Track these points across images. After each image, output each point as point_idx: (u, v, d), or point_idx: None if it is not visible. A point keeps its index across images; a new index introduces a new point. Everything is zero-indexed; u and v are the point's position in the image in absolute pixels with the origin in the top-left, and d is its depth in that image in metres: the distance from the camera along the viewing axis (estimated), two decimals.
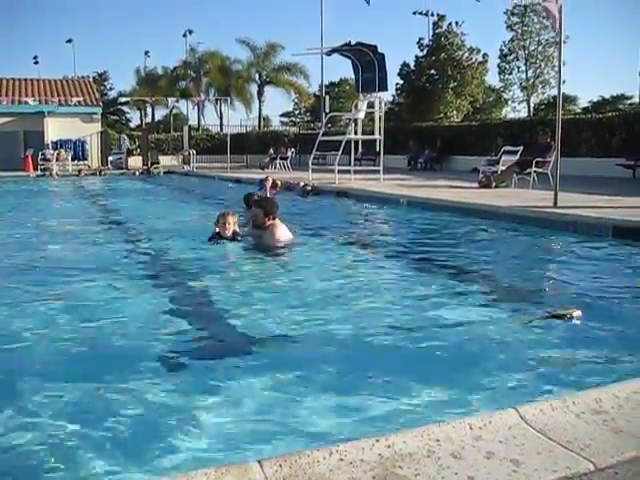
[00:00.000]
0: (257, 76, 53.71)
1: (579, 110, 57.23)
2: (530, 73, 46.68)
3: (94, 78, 52.13)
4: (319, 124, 36.70)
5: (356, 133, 20.10)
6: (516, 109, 51.54)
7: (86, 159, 34.60)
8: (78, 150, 34.53)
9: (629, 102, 56.11)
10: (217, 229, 8.59)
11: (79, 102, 34.78)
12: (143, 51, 68.35)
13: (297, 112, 75.10)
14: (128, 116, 72.45)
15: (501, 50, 47.22)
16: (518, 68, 47.44)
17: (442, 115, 40.29)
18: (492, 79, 56.94)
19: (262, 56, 52.50)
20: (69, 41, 62.05)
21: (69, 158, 32.98)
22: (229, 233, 8.52)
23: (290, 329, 4.85)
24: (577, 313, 4.97)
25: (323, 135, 22.14)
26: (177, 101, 44.93)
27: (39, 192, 21.64)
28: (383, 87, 20.99)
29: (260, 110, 55.63)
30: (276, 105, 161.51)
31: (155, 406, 3.45)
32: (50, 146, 33.27)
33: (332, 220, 12.06)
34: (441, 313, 5.31)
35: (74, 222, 12.22)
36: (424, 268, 7.47)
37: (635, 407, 2.80)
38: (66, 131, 34.08)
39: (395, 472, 2.26)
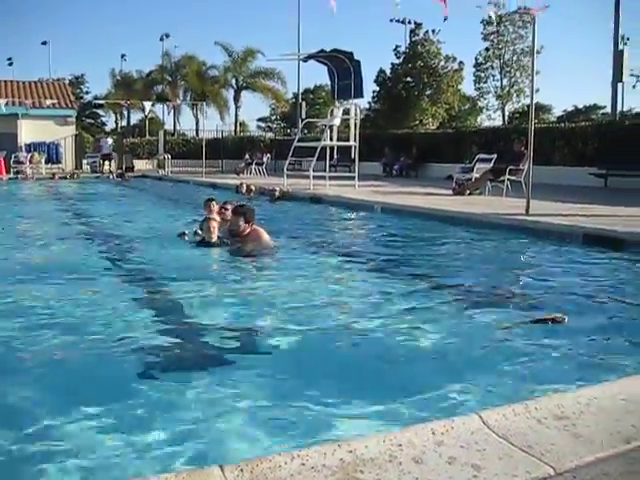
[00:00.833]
0: (234, 81, 53.65)
1: (553, 119, 57.78)
2: (505, 82, 47.08)
3: (70, 81, 51.78)
4: (295, 130, 36.70)
5: (332, 139, 20.13)
6: (491, 117, 51.96)
7: (60, 162, 34.26)
8: (52, 153, 34.20)
9: (602, 112, 56.77)
10: (201, 233, 8.66)
11: (53, 104, 34.41)
12: (120, 54, 67.83)
13: (274, 118, 75.07)
14: (104, 119, 72.03)
15: (476, 59, 47.57)
16: (493, 77, 47.83)
17: (418, 122, 40.51)
18: (468, 87, 57.29)
19: (239, 61, 52.45)
20: (44, 43, 61.62)
21: (43, 161, 32.63)
22: (214, 238, 8.49)
23: (265, 336, 4.85)
24: (562, 317, 5.00)
25: (299, 141, 22.14)
26: (153, 105, 44.65)
27: (11, 196, 21.38)
28: (359, 94, 21.02)
29: (236, 115, 55.58)
30: (253, 110, 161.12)
31: (121, 412, 3.43)
32: (23, 149, 32.89)
33: (300, 226, 12.07)
34: (411, 318, 5.34)
35: (46, 226, 12.11)
36: (396, 274, 7.48)
37: (595, 412, 2.83)
38: (40, 134, 33.71)
39: (356, 477, 2.26)
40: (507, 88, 47.02)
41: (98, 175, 31.41)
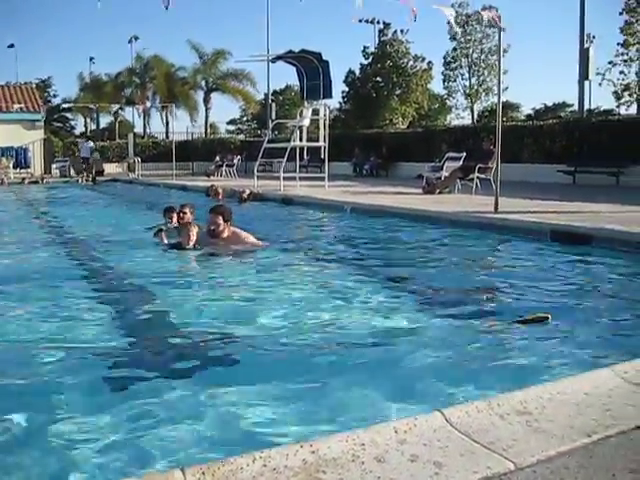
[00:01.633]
0: (204, 83, 53.49)
1: (522, 117, 58.33)
2: (473, 81, 47.46)
3: (37, 84, 51.21)
4: (266, 131, 36.69)
5: (301, 140, 20.13)
6: (460, 116, 52.38)
7: (29, 167, 33.85)
8: (20, 158, 33.76)
9: (570, 110, 57.44)
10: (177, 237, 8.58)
11: (21, 109, 34.06)
12: (88, 57, 67.37)
13: (244, 119, 74.97)
14: (72, 123, 71.42)
15: (444, 58, 47.87)
16: (462, 76, 48.17)
17: (387, 122, 40.67)
18: (437, 86, 57.62)
19: (209, 63, 52.33)
20: (11, 46, 60.91)
21: (11, 166, 32.22)
22: (191, 244, 8.38)
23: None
24: (546, 316, 5.03)
25: (269, 142, 22.13)
26: (122, 108, 44.38)
27: None
28: (328, 94, 21.03)
29: (207, 117, 55.42)
30: (223, 112, 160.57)
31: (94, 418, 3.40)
32: None
33: (270, 227, 12.02)
34: (378, 318, 5.35)
35: (14, 232, 11.96)
36: (365, 274, 7.48)
37: (557, 407, 2.85)
38: (7, 138, 33.21)
39: (319, 477, 2.26)
40: (475, 87, 47.40)
41: (67, 180, 31.06)
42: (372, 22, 45.68)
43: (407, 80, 41.60)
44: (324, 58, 20.48)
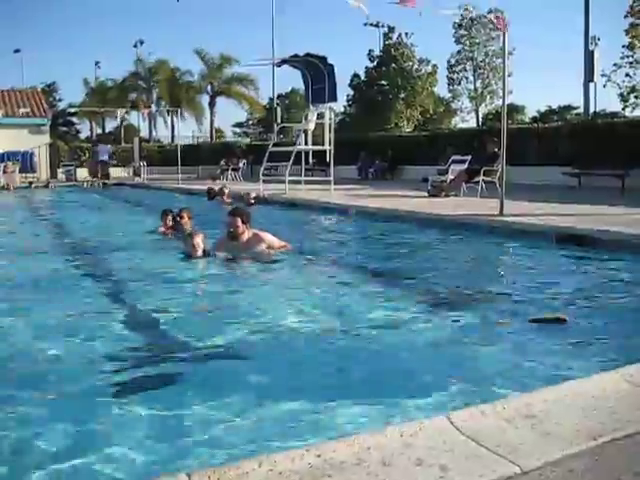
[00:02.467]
0: (209, 87, 53.60)
1: (527, 120, 58.27)
2: (478, 84, 47.46)
3: (43, 89, 51.35)
4: (271, 135, 36.75)
5: (306, 144, 20.13)
6: (465, 119, 52.34)
7: (35, 171, 33.90)
8: (26, 162, 33.80)
9: (575, 112, 57.35)
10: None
11: (26, 113, 34.16)
12: (93, 62, 67.49)
13: (250, 123, 75.10)
14: (78, 127, 71.61)
15: (449, 61, 47.89)
16: (466, 79, 48.17)
17: (393, 125, 40.69)
18: (442, 89, 57.64)
19: (214, 67, 52.44)
20: (17, 51, 61.17)
21: (17, 170, 32.25)
22: (199, 253, 8.18)
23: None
24: (564, 318, 5.02)
25: (274, 146, 22.12)
26: (127, 112, 44.50)
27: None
28: (333, 98, 21.01)
29: (212, 121, 55.50)
30: (229, 116, 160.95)
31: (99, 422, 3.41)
32: None
33: (276, 231, 12.00)
34: (385, 321, 5.35)
35: (30, 237, 11.94)
36: (375, 277, 7.47)
37: (563, 410, 2.85)
38: (13, 143, 33.26)
39: None
40: (480, 90, 47.38)
41: (74, 184, 31.11)
42: (377, 26, 45.78)
43: (412, 83, 41.67)
44: (329, 62, 20.48)
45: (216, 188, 18.41)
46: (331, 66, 20.47)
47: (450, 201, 15.13)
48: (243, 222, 8.30)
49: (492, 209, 11.60)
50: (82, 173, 34.42)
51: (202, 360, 4.49)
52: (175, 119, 50.44)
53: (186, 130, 55.20)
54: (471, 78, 47.98)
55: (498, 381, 3.82)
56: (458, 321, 5.33)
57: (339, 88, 21.59)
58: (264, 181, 19.71)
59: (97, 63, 63.75)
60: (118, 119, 39.69)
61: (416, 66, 42.70)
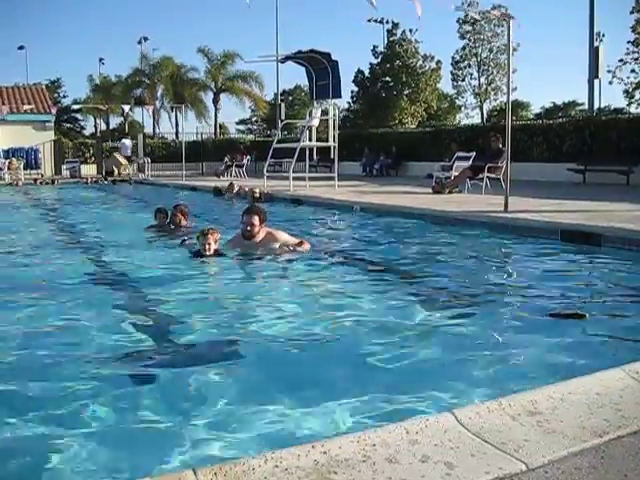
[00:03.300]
0: (213, 84, 53.58)
1: (532, 116, 58.19)
2: (482, 80, 47.41)
3: (47, 85, 51.42)
4: (275, 131, 36.78)
5: (311, 140, 20.15)
6: (469, 115, 52.33)
7: (39, 168, 33.93)
8: (31, 159, 33.84)
9: (580, 108, 57.26)
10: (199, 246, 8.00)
11: (31, 110, 34.15)
12: (97, 58, 67.69)
13: (254, 119, 75.10)
14: (82, 124, 71.72)
15: (453, 57, 47.83)
16: (471, 75, 48.12)
17: (397, 121, 40.65)
18: (446, 86, 57.58)
19: (218, 64, 52.42)
20: (21, 48, 61.30)
21: (21, 167, 32.27)
22: (210, 252, 7.86)
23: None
24: (583, 313, 5.02)
25: (278, 142, 22.15)
26: (131, 109, 44.51)
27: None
28: (337, 94, 21.04)
29: (216, 118, 55.48)
30: (233, 113, 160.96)
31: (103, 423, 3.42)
32: (1, 155, 32.57)
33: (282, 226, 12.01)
34: (389, 316, 5.36)
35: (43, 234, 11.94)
36: (381, 274, 7.43)
37: (569, 408, 2.85)
38: (18, 139, 33.32)
39: (330, 478, 2.27)
40: (485, 86, 47.33)
41: (77, 180, 31.11)
42: (381, 22, 45.75)
43: (416, 80, 41.63)
44: (333, 58, 20.49)
45: (226, 185, 18.56)
46: (335, 62, 20.49)
47: (454, 197, 15.12)
48: (260, 221, 8.06)
49: (497, 206, 11.60)
50: (87, 170, 34.42)
51: (207, 358, 4.49)
52: (179, 115, 50.63)
53: (190, 126, 55.31)
54: (475, 74, 47.94)
55: (508, 377, 3.83)
56: (464, 318, 5.33)
57: (343, 84, 21.62)
58: (268, 177, 19.73)
59: (101, 60, 63.97)
60: (127, 111, 39.50)
61: (420, 62, 42.65)
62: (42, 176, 32.17)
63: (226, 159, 30.93)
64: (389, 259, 8.56)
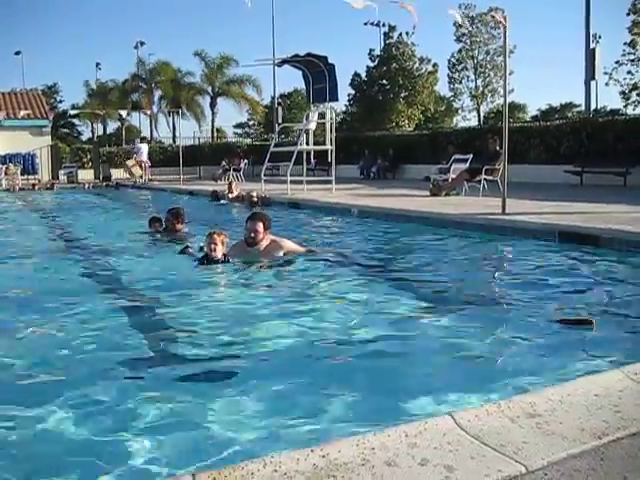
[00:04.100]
0: (210, 88, 53.59)
1: (528, 118, 58.28)
2: (479, 82, 47.49)
3: (43, 91, 51.38)
4: (273, 135, 36.77)
5: (308, 143, 20.15)
6: (466, 118, 52.41)
7: (36, 173, 33.92)
8: (28, 164, 33.83)
9: (576, 110, 57.36)
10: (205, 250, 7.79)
11: (27, 115, 34.12)
12: (94, 63, 67.67)
13: (251, 123, 75.09)
14: (80, 129, 71.67)
15: (449, 60, 47.92)
16: (467, 77, 48.22)
17: (394, 124, 40.67)
18: (443, 88, 57.64)
19: (215, 68, 52.43)
20: (17, 53, 61.31)
21: (19, 172, 32.24)
22: (219, 255, 7.63)
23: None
24: (591, 320, 4.99)
25: (275, 146, 22.15)
26: (128, 114, 44.48)
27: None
28: (334, 97, 21.04)
29: (213, 122, 55.51)
30: (230, 116, 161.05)
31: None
32: None
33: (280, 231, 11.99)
34: (387, 320, 5.35)
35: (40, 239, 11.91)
36: (380, 278, 7.41)
37: (568, 409, 2.85)
38: (15, 145, 33.29)
39: None
40: (481, 88, 47.41)
41: (75, 185, 31.09)
42: (377, 25, 45.80)
43: (413, 82, 41.65)
44: (330, 61, 20.50)
45: (224, 188, 18.63)
46: (332, 66, 20.50)
47: (452, 200, 15.12)
48: (265, 228, 7.81)
49: (494, 208, 11.60)
50: (84, 175, 34.42)
51: (210, 362, 4.48)
52: (176, 120, 50.59)
53: (187, 131, 55.33)
54: (472, 77, 48.03)
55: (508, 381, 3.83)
56: (462, 321, 5.33)
57: (340, 87, 21.63)
58: (265, 181, 19.73)
59: (98, 65, 63.92)
60: (124, 116, 39.34)
61: (417, 65, 42.66)
62: (39, 181, 32.15)
63: (223, 163, 30.91)
64: (388, 262, 8.56)
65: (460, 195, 16.57)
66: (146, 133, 58.02)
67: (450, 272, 7.79)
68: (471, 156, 18.03)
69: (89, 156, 38.00)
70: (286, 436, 3.19)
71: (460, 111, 53.36)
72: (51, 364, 4.44)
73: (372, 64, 43.54)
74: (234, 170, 29.80)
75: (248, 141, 51.23)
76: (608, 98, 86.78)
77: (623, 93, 38.81)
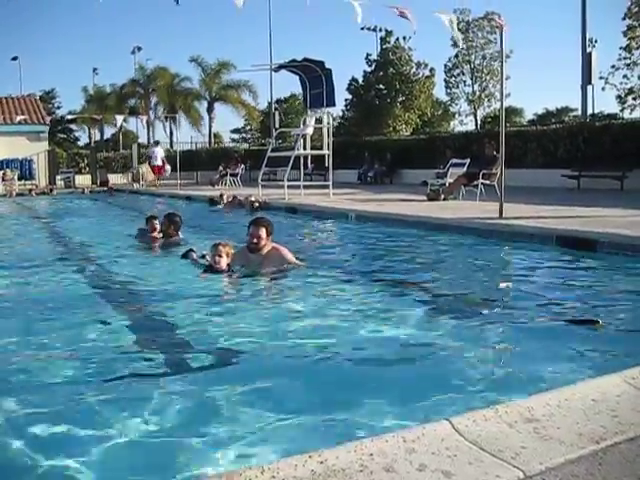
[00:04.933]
0: (207, 93, 53.58)
1: (525, 122, 58.36)
2: (476, 87, 47.58)
3: (41, 96, 51.32)
4: (270, 140, 36.81)
5: (305, 148, 20.17)
6: (463, 122, 52.46)
7: (34, 178, 33.87)
8: (25, 169, 33.79)
9: (573, 114, 57.44)
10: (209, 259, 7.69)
11: (24, 120, 34.08)
12: (91, 69, 67.74)
13: (248, 128, 75.10)
14: (77, 134, 71.58)
15: (446, 65, 48.01)
16: (464, 82, 48.29)
17: (391, 129, 40.71)
18: (440, 93, 57.75)
19: (212, 74, 52.44)
20: (14, 59, 61.26)
21: (16, 178, 32.17)
22: (223, 266, 7.50)
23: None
24: (596, 320, 5.02)
25: (273, 151, 22.18)
26: (125, 120, 44.42)
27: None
28: (331, 102, 21.06)
29: (210, 127, 55.51)
30: (228, 121, 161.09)
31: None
32: None
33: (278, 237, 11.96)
34: (381, 326, 5.36)
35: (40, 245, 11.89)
36: (379, 283, 7.39)
37: (565, 414, 2.84)
38: (12, 150, 33.20)
39: None
40: (478, 93, 47.50)
41: (72, 191, 31.08)
42: (374, 30, 45.88)
43: (410, 87, 41.73)
44: (327, 66, 20.54)
45: (224, 195, 18.63)
46: (329, 71, 20.54)
47: (449, 204, 15.14)
48: (267, 234, 7.67)
49: (492, 212, 11.61)
50: (81, 180, 34.42)
51: (211, 369, 4.49)
52: (173, 125, 50.61)
53: (184, 136, 55.29)
54: (469, 81, 48.10)
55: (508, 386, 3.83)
56: (462, 325, 5.33)
57: (337, 92, 21.66)
58: (263, 186, 19.75)
59: (95, 70, 63.93)
60: (118, 124, 39.20)
61: (414, 70, 42.74)
62: (37, 186, 32.12)
63: (220, 168, 30.93)
64: (387, 267, 8.54)
65: (457, 200, 16.58)
66: (143, 138, 58.03)
67: (447, 277, 7.80)
68: (468, 160, 18.05)
69: (86, 161, 37.99)
70: (284, 442, 3.20)
71: (457, 115, 53.47)
72: (50, 367, 4.45)
73: (369, 69, 43.63)
74: (231, 175, 29.82)
75: (245, 146, 51.29)
76: (605, 102, 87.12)
77: (619, 97, 38.88)
